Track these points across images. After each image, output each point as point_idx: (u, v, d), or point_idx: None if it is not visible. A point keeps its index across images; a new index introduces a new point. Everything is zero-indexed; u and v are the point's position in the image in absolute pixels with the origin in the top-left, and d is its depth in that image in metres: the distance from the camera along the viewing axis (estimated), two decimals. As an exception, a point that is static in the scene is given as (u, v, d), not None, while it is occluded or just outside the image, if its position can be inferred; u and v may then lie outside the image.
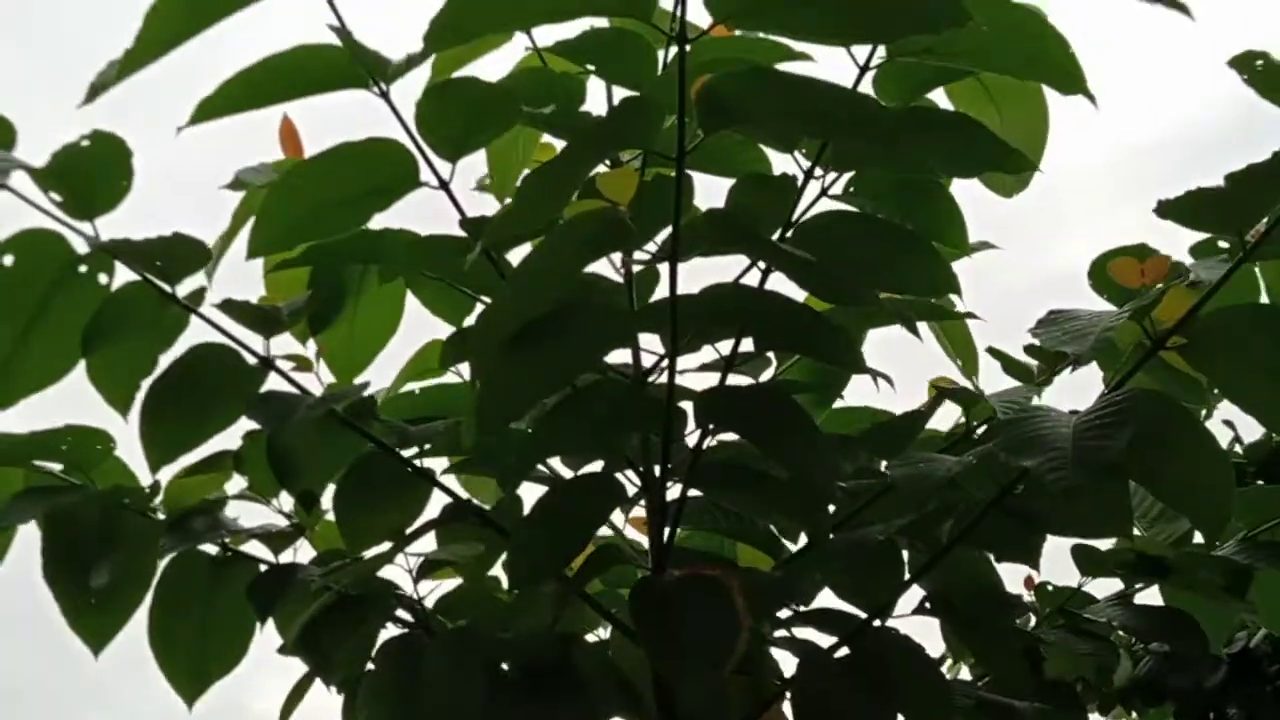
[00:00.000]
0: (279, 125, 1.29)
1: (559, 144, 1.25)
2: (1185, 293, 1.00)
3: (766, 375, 1.28)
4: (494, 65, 1.27)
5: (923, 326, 1.19)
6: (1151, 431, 0.95)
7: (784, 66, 1.05)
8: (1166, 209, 0.98)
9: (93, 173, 1.11)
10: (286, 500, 1.24)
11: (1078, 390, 1.19)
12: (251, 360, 1.17)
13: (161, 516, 1.25)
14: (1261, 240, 0.98)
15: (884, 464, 1.15)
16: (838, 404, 1.29)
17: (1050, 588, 1.32)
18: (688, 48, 0.91)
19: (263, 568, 1.23)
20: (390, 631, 1.18)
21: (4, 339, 1.14)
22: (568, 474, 1.23)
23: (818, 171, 1.12)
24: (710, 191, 1.14)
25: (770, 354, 1.25)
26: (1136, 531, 1.25)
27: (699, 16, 0.92)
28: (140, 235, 1.13)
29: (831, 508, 1.11)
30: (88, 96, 1.05)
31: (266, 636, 1.21)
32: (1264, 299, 1.14)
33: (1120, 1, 0.97)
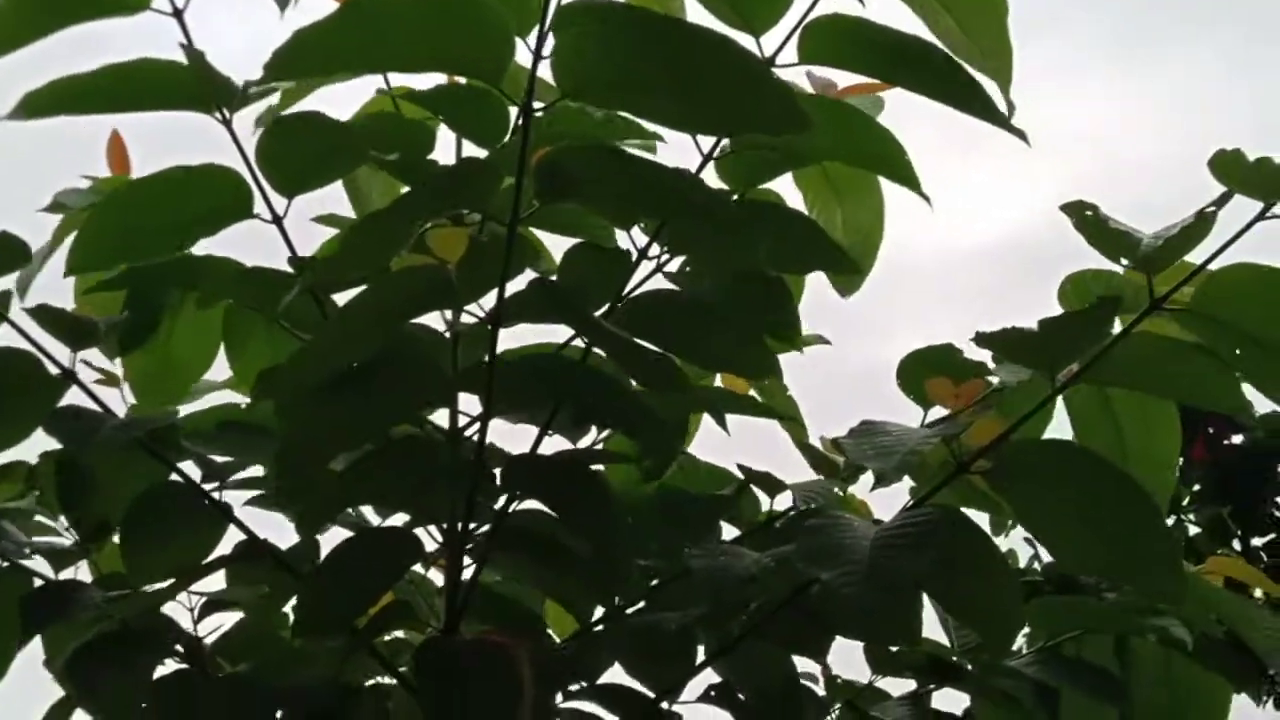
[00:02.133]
0: (108, 139, 1.26)
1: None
2: (993, 422, 1.02)
3: (586, 440, 1.27)
4: (343, 93, 1.25)
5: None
6: (946, 549, 0.97)
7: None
8: (984, 340, 1.01)
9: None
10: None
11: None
12: (54, 370, 1.13)
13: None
14: (1072, 380, 1.02)
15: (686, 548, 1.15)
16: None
17: (841, 681, 1.33)
18: (539, 115, 0.91)
19: (38, 583, 1.18)
20: (166, 667, 1.14)
21: None
22: (375, 520, 1.22)
23: (653, 250, 1.12)
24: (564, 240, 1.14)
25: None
26: (944, 635, 1.27)
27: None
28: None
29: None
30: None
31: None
32: (1060, 420, 1.17)
33: (954, 119, 1.02)
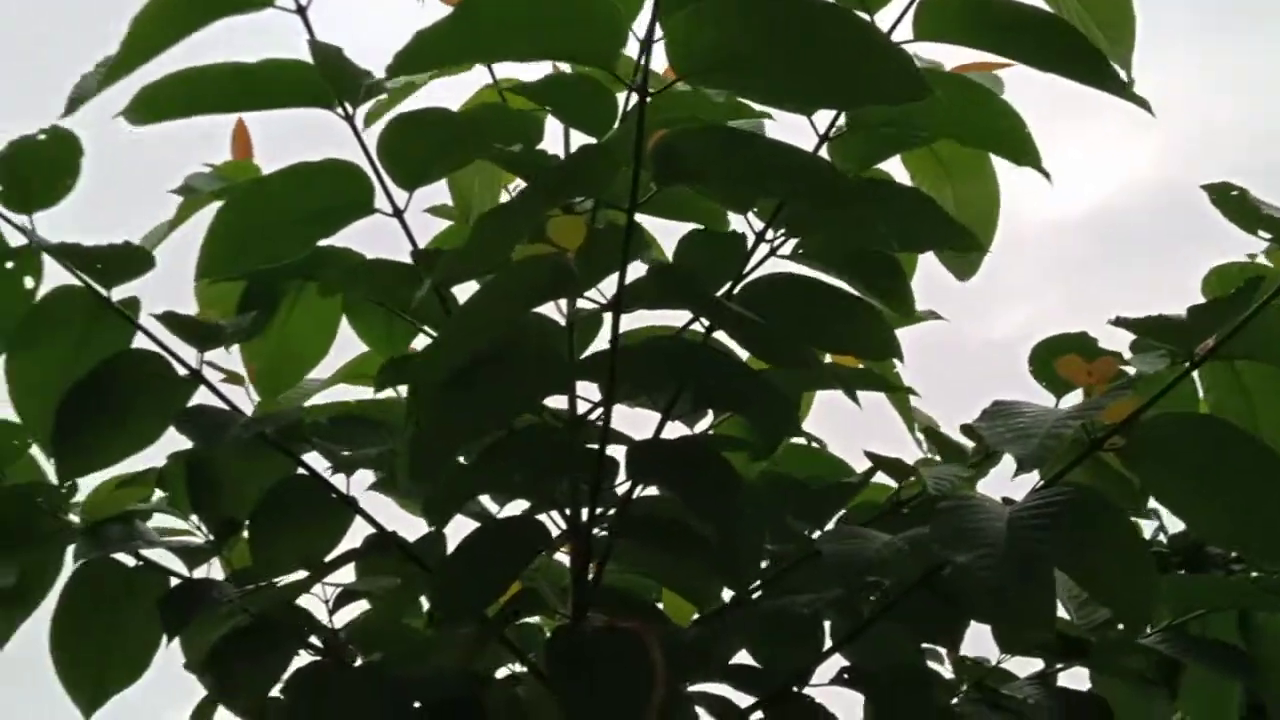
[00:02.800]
0: (234, 126, 1.27)
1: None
2: (1131, 401, 1.00)
3: (703, 424, 1.27)
4: (445, 91, 1.26)
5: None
6: (1082, 528, 0.95)
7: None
8: (1124, 324, 1.00)
9: (40, 167, 1.09)
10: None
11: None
12: (182, 371, 1.15)
13: (75, 519, 1.23)
14: (1208, 355, 1.01)
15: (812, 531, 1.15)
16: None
17: (969, 661, 1.31)
18: (648, 100, 0.91)
19: (174, 582, 1.21)
20: (301, 659, 1.15)
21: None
22: (494, 508, 1.23)
23: (769, 233, 1.11)
24: (669, 229, 1.14)
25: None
26: (1066, 613, 1.25)
27: (662, 68, 0.92)
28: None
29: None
30: (67, 108, 1.04)
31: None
32: (1201, 396, 1.15)
33: (1067, 87, 1.00)
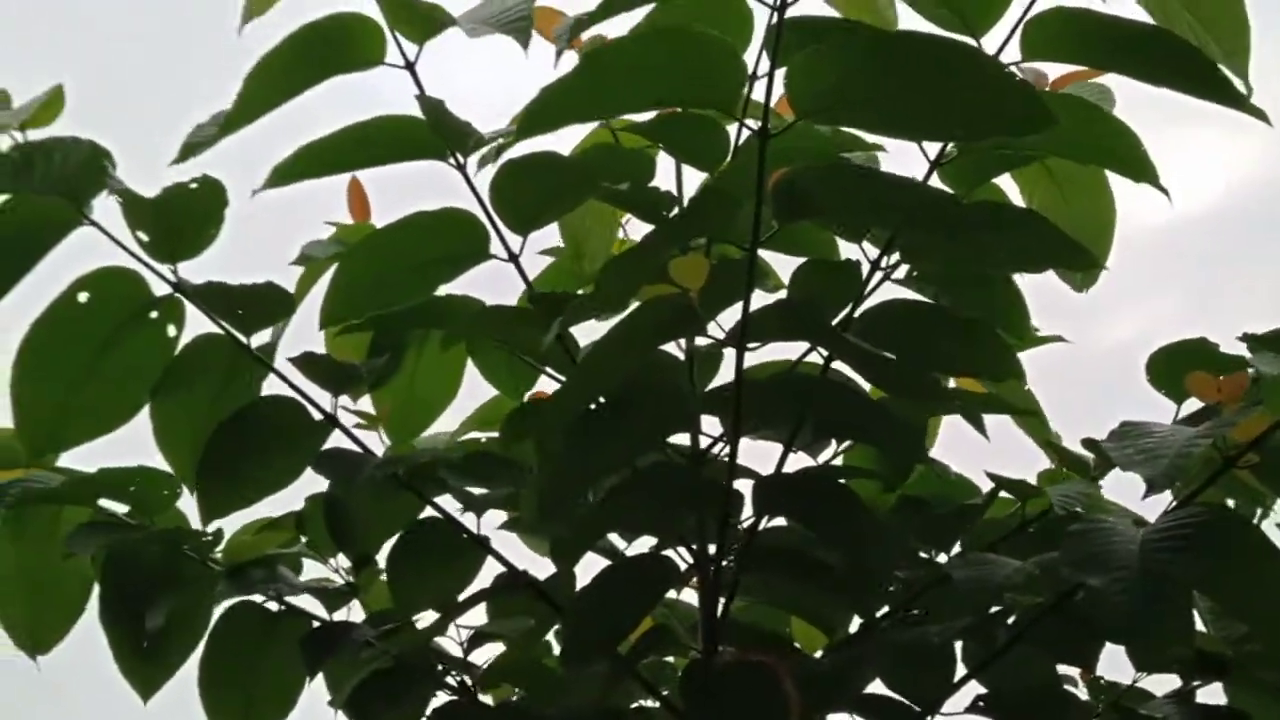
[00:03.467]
0: (348, 187, 1.31)
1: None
2: (1263, 417, 0.99)
3: (825, 455, 1.27)
4: (564, 137, 1.28)
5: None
6: (1219, 549, 0.94)
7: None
8: (1254, 341, 0.99)
9: (189, 217, 1.12)
10: (343, 559, 1.25)
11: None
12: (317, 416, 1.18)
13: (219, 566, 1.26)
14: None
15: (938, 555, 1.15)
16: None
17: (1104, 682, 1.30)
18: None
19: (315, 624, 1.24)
20: (439, 698, 1.18)
21: (64, 382, 1.16)
22: (621, 544, 1.24)
23: (883, 260, 1.12)
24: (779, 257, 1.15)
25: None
26: (1203, 628, 1.23)
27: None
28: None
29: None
30: (181, 154, 1.07)
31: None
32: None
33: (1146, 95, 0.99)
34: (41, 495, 1.19)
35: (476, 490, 1.19)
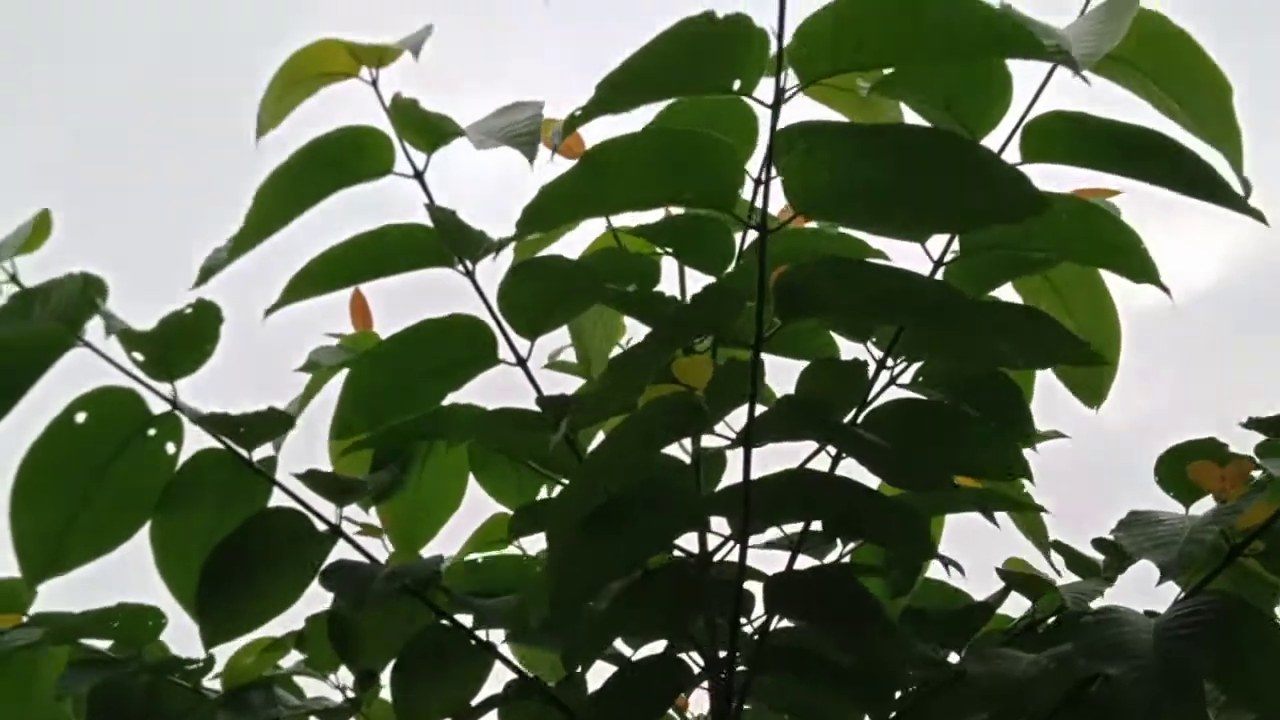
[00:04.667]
0: (351, 297, 1.32)
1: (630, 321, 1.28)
2: (1267, 504, 1.00)
3: (832, 555, 1.27)
4: (568, 245, 1.30)
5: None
6: (1232, 637, 0.94)
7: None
8: (1256, 424, 1.00)
9: (183, 337, 1.13)
10: (343, 675, 1.24)
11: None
12: (321, 527, 1.18)
13: (212, 693, 1.25)
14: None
15: (952, 653, 1.14)
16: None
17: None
18: (767, 237, 0.93)
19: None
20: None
21: (64, 503, 1.15)
22: (628, 651, 1.23)
23: (888, 361, 1.13)
24: (777, 372, 1.16)
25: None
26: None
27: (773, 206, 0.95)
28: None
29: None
30: (199, 279, 1.09)
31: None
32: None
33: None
34: (25, 648, 1.19)
35: (483, 601, 1.19)
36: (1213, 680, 1.06)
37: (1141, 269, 1.06)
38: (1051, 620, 1.19)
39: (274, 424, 1.14)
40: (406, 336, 1.14)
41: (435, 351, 1.14)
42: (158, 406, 1.16)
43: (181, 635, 1.21)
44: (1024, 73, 1.01)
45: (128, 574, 1.22)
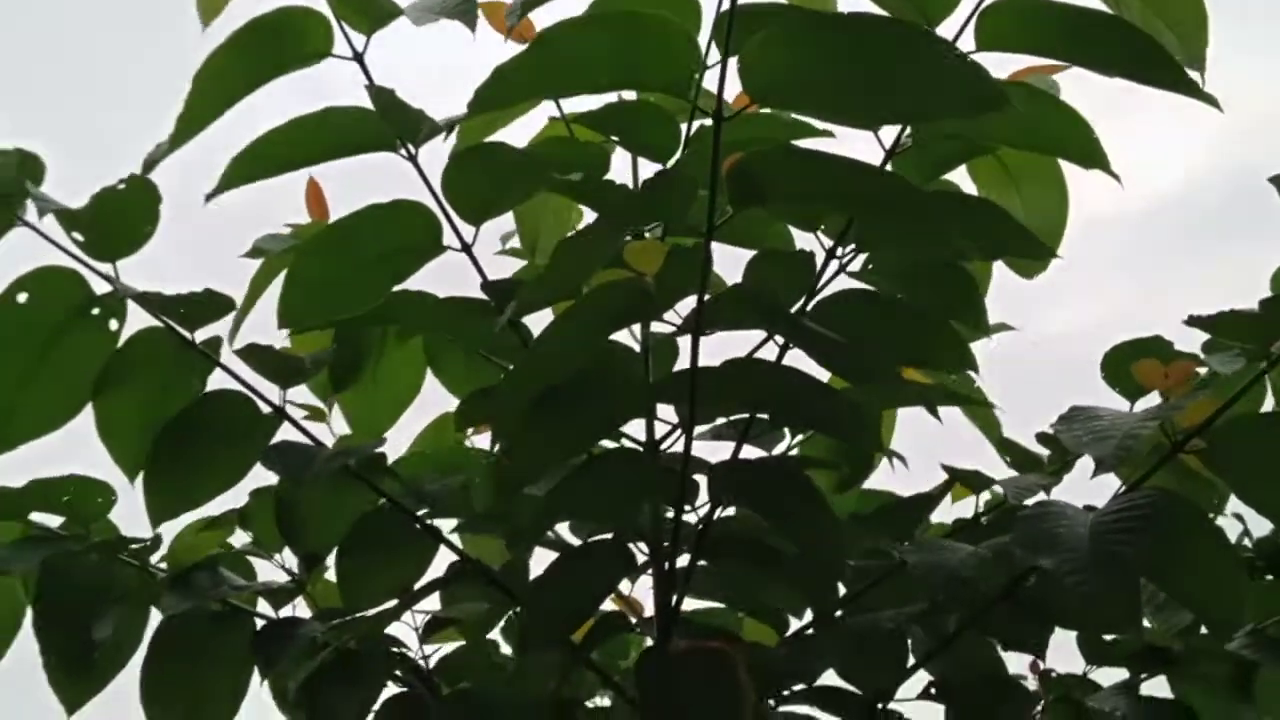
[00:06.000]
0: (306, 186, 1.30)
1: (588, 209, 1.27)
2: (1207, 402, 1.00)
3: (780, 447, 1.28)
4: (517, 132, 1.28)
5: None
6: (1167, 532, 0.95)
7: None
8: (1198, 322, 1.00)
9: (122, 216, 1.12)
10: (288, 557, 1.24)
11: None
12: (265, 409, 1.17)
13: (160, 572, 1.25)
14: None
15: (893, 546, 1.15)
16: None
17: (1054, 675, 1.31)
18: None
19: (260, 623, 1.23)
20: (391, 689, 1.17)
21: (8, 381, 1.14)
22: (574, 540, 1.24)
23: (838, 250, 1.12)
24: (725, 262, 1.15)
25: (784, 428, 1.25)
26: (1146, 621, 1.25)
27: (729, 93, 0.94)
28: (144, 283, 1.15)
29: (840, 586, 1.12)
30: (143, 169, 1.07)
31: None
32: (1270, 403, 1.14)
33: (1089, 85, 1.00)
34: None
35: (428, 485, 1.19)
36: (1149, 577, 1.08)
37: (1091, 156, 1.06)
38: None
39: (214, 305, 1.13)
40: (349, 222, 1.12)
41: (379, 238, 1.13)
42: (100, 287, 1.15)
43: (130, 516, 1.22)
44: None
45: (81, 453, 1.22)
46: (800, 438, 1.27)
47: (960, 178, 1.22)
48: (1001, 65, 1.10)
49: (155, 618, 1.23)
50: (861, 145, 1.09)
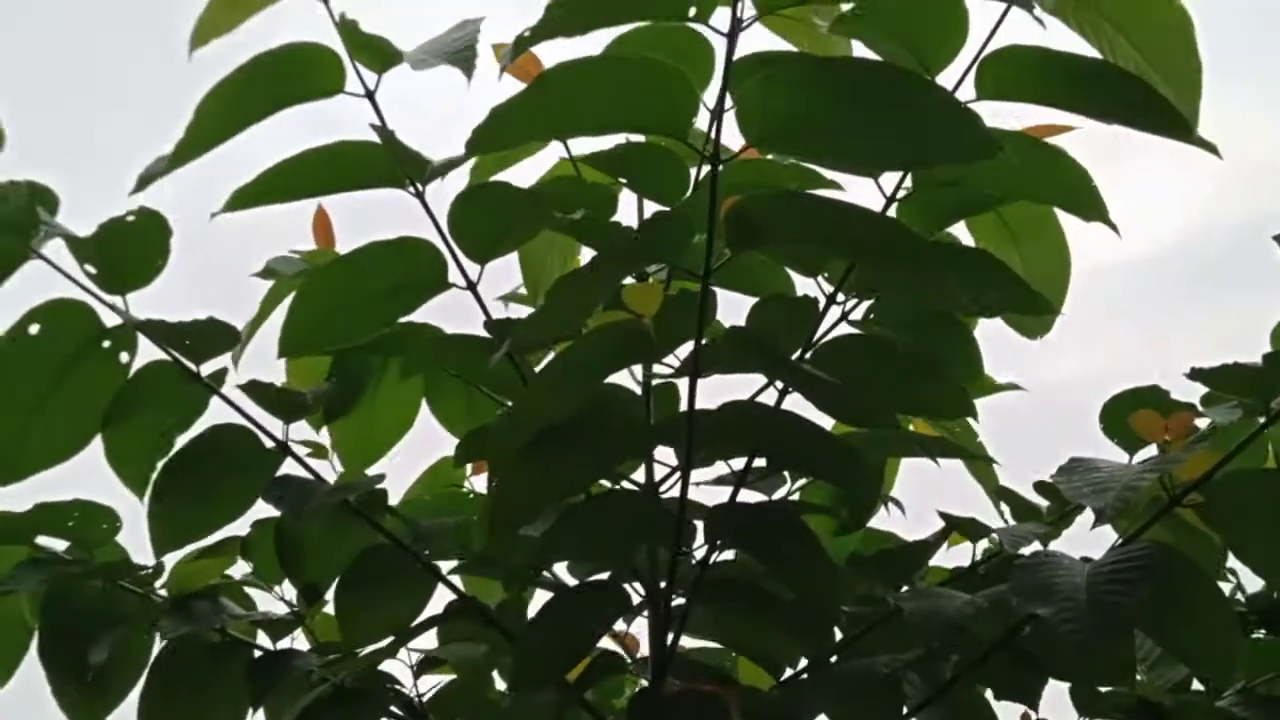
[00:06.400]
0: (314, 215, 1.31)
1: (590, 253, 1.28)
2: (1206, 455, 1.00)
3: (780, 493, 1.28)
4: (528, 171, 1.29)
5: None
6: (1164, 585, 0.95)
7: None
8: (1199, 375, 1.00)
9: (131, 249, 1.13)
10: (288, 589, 1.24)
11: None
12: (269, 444, 1.18)
13: (161, 599, 1.25)
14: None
15: (890, 592, 1.15)
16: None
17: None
18: (720, 168, 0.93)
19: (258, 654, 1.23)
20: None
21: (19, 411, 1.15)
22: (571, 581, 1.24)
23: (839, 297, 1.13)
24: (729, 307, 1.16)
25: (785, 473, 1.25)
26: (1137, 675, 1.24)
27: (732, 139, 0.95)
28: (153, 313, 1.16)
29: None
30: (137, 185, 1.08)
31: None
32: (1270, 461, 1.14)
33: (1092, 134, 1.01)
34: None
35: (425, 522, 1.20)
36: (1145, 629, 1.08)
37: (1090, 207, 1.06)
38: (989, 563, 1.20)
39: (219, 336, 1.14)
40: (356, 256, 1.13)
41: (385, 272, 1.14)
42: (111, 319, 1.16)
43: (139, 541, 1.22)
44: (980, 15, 1.01)
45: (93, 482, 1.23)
46: (801, 483, 1.27)
47: (963, 237, 1.22)
48: (1012, 116, 1.11)
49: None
50: (864, 194, 1.10)
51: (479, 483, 1.31)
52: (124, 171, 1.13)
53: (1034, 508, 1.25)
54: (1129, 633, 0.98)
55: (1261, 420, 1.03)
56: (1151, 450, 1.11)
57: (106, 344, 1.17)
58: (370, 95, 1.15)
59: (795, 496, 1.28)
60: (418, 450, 1.34)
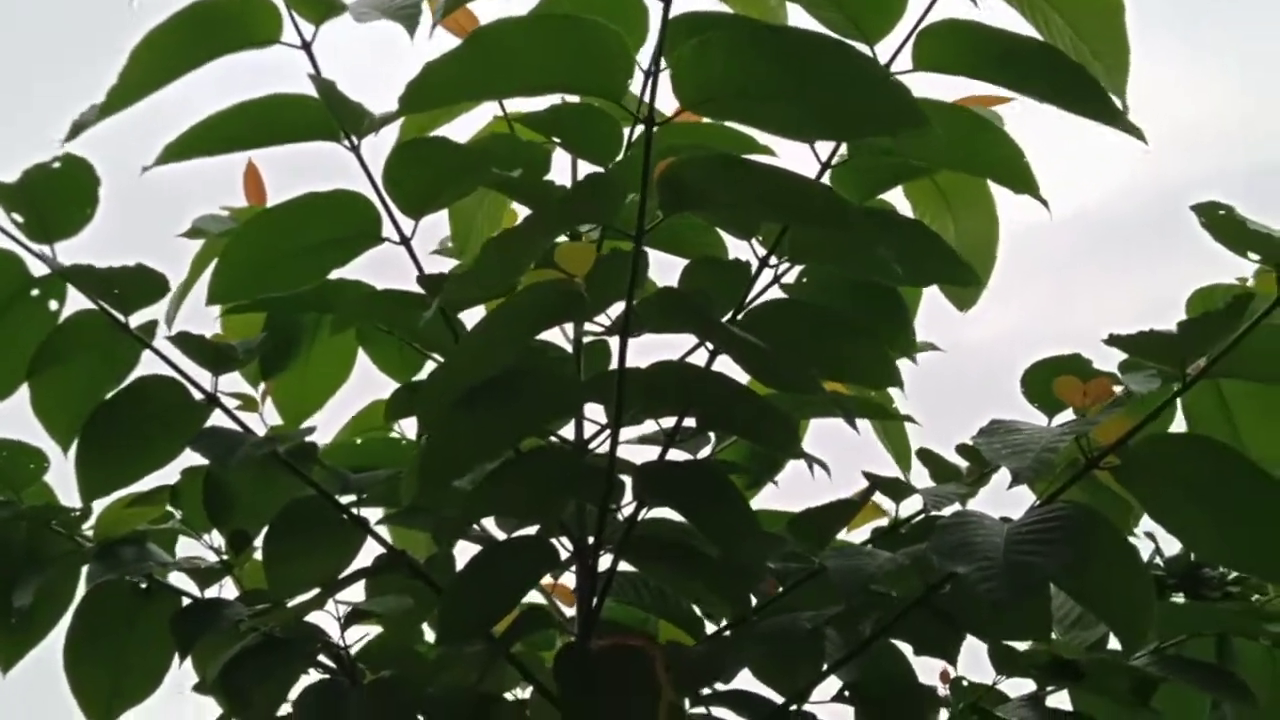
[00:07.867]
0: (244, 170, 1.31)
1: (523, 210, 1.28)
2: (1122, 419, 1.03)
3: (705, 452, 1.29)
4: (463, 128, 1.29)
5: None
6: (1080, 544, 0.97)
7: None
8: (1117, 341, 1.02)
9: (58, 196, 1.12)
10: (217, 537, 1.24)
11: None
12: (198, 396, 1.18)
13: (89, 542, 1.25)
14: (1201, 374, 1.02)
15: (816, 551, 1.17)
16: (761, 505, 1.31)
17: (965, 683, 1.33)
18: (654, 130, 0.94)
19: (186, 602, 1.23)
20: (310, 677, 1.18)
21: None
22: (500, 535, 1.25)
23: (772, 260, 1.14)
24: (665, 268, 1.17)
25: (710, 432, 1.27)
26: (1054, 635, 1.27)
27: (667, 102, 0.95)
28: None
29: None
30: (69, 134, 1.07)
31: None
32: (1180, 422, 1.17)
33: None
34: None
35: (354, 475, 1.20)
36: (1064, 588, 1.10)
37: (1022, 180, 1.08)
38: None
39: (148, 284, 1.13)
40: (288, 209, 1.13)
41: (317, 225, 1.14)
42: (40, 270, 1.16)
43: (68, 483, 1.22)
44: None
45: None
46: (727, 443, 1.29)
47: (898, 201, 1.24)
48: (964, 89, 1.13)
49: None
50: (800, 160, 1.11)
51: (409, 427, 1.31)
52: (58, 122, 1.12)
53: (954, 469, 1.28)
54: (1045, 592, 1.01)
55: (1176, 386, 1.06)
56: (1069, 414, 1.13)
57: (35, 292, 1.17)
58: (307, 46, 1.15)
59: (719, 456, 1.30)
60: (355, 392, 1.35)
